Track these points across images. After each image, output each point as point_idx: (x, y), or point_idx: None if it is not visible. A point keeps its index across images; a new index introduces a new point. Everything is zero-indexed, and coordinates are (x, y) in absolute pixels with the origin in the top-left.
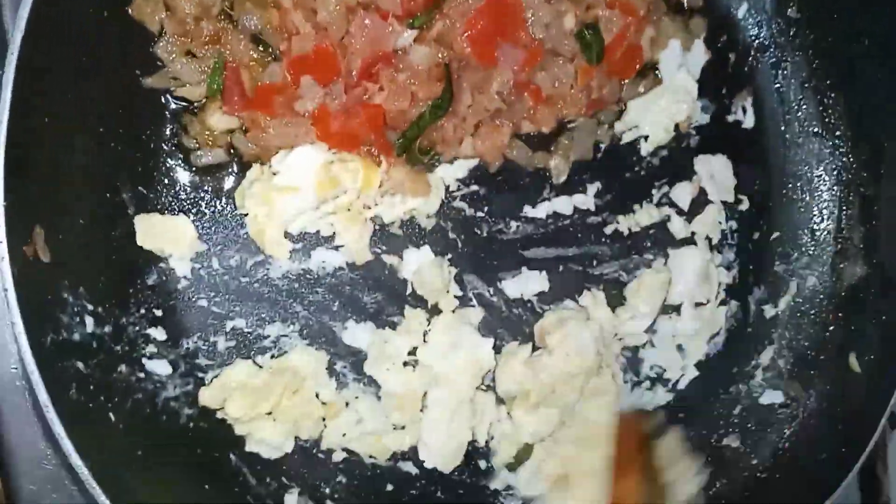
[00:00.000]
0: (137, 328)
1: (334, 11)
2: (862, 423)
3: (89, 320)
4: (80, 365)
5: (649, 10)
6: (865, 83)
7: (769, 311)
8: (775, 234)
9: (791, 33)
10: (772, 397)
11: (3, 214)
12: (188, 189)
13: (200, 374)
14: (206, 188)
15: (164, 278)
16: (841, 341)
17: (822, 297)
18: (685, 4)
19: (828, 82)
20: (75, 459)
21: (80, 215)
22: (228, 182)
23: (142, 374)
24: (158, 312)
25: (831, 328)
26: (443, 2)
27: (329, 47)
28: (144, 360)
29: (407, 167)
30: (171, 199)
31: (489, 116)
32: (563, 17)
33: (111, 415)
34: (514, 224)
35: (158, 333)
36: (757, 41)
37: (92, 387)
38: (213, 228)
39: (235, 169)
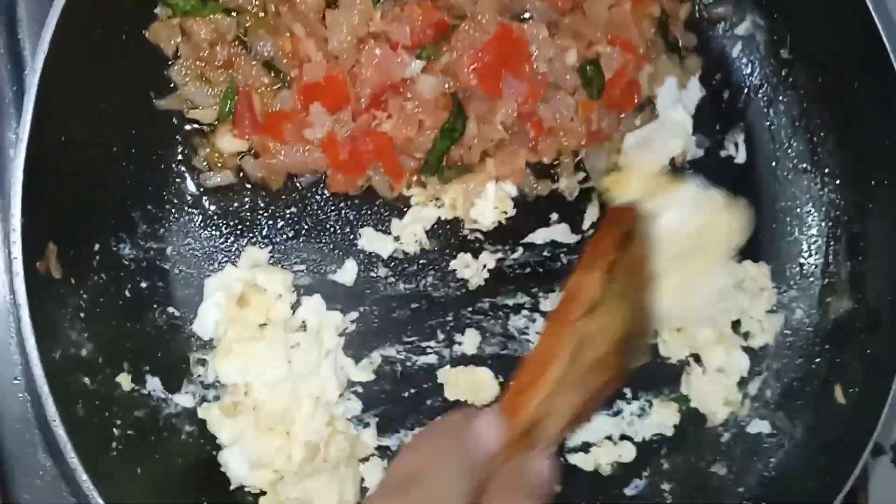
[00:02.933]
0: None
1: (345, 41)
2: (846, 453)
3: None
4: (87, 380)
5: (648, 49)
6: (855, 124)
7: (757, 342)
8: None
9: (783, 74)
10: (759, 427)
11: (20, 233)
12: (196, 209)
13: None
14: (214, 208)
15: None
16: (826, 373)
17: (809, 329)
18: (681, 44)
19: (818, 122)
20: (80, 474)
21: (90, 232)
22: (235, 204)
23: (145, 391)
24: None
25: (817, 360)
26: (451, 34)
27: (339, 76)
28: (148, 377)
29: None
30: (178, 217)
31: (502, 143)
32: (566, 52)
33: (114, 430)
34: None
35: None
36: (750, 80)
37: (97, 402)
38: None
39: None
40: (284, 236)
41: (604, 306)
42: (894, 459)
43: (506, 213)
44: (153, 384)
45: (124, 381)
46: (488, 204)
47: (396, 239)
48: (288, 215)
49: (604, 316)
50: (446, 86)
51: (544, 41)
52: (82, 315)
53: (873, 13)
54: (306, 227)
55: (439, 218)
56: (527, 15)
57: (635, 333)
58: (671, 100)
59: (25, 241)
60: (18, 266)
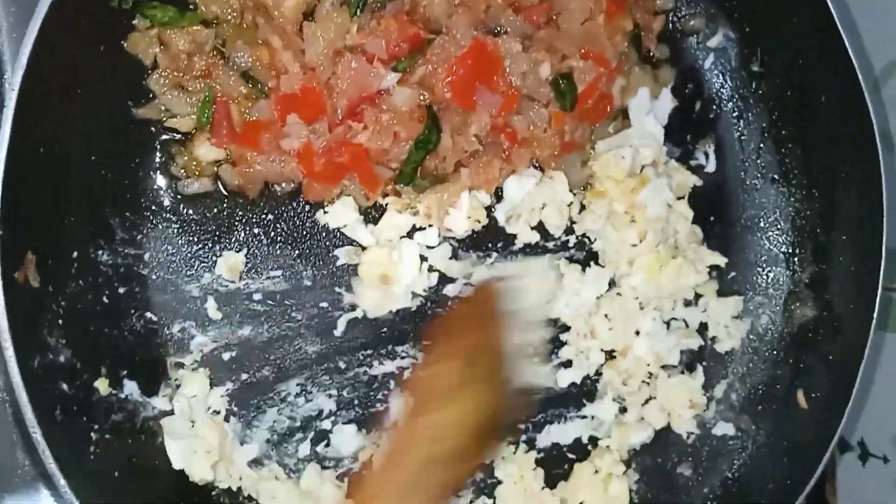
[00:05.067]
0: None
1: (322, 53)
2: (808, 457)
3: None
4: (65, 386)
5: (621, 62)
6: (821, 136)
7: (723, 346)
8: (732, 274)
9: (753, 86)
10: (724, 429)
11: (0, 244)
12: (173, 216)
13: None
14: (192, 214)
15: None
16: (790, 378)
17: (774, 335)
18: (654, 55)
19: (786, 133)
20: (58, 479)
21: (69, 241)
22: (212, 211)
23: (122, 395)
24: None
25: (782, 365)
26: (426, 48)
27: (316, 87)
28: (125, 381)
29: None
30: (156, 224)
31: (476, 154)
32: (540, 66)
33: (92, 434)
34: None
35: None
36: (721, 91)
37: (75, 407)
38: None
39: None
40: (260, 242)
41: (461, 394)
42: (861, 455)
43: (479, 221)
44: (130, 388)
45: (102, 385)
46: (462, 213)
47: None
48: (264, 222)
49: (461, 405)
50: (421, 98)
51: (518, 55)
52: (60, 322)
53: (841, 30)
54: (283, 233)
55: (414, 226)
56: (502, 29)
57: (495, 416)
58: (643, 110)
59: (4, 252)
60: None
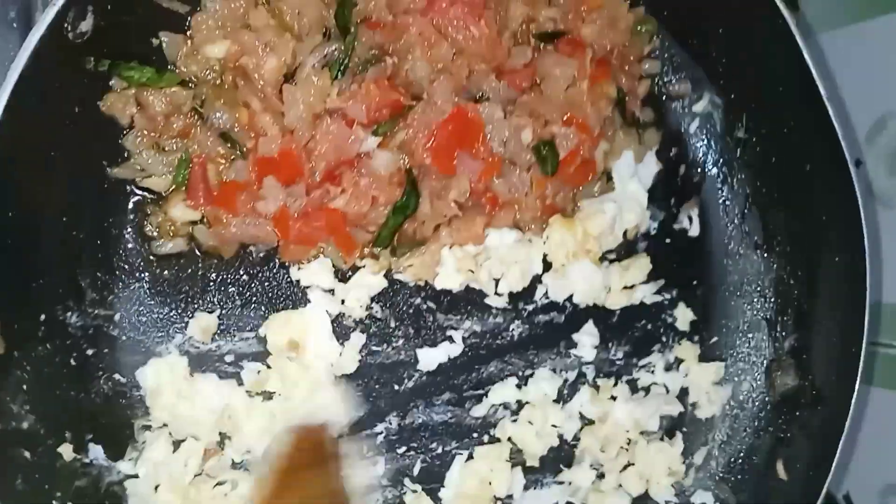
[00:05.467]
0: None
1: (301, 116)
2: None
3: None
4: (27, 454)
5: (605, 127)
6: (805, 203)
7: (704, 413)
8: (714, 339)
9: (738, 152)
10: (703, 497)
11: None
12: (146, 275)
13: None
14: (165, 275)
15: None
16: (770, 447)
17: (755, 403)
18: (639, 118)
19: (769, 199)
20: None
21: (37, 303)
22: (186, 271)
23: (87, 460)
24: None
25: (762, 434)
26: (406, 113)
27: (294, 150)
28: (90, 446)
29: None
30: (128, 284)
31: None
32: (522, 131)
33: (54, 502)
34: None
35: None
36: (706, 156)
37: (37, 475)
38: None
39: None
40: (234, 303)
41: None
42: None
43: (472, 271)
44: (95, 452)
45: (66, 451)
46: (449, 269)
47: (342, 302)
48: (239, 283)
49: None
50: (401, 162)
51: (499, 122)
52: (25, 387)
53: (825, 100)
54: (258, 294)
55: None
56: (483, 95)
57: None
58: (627, 173)
59: None
60: None
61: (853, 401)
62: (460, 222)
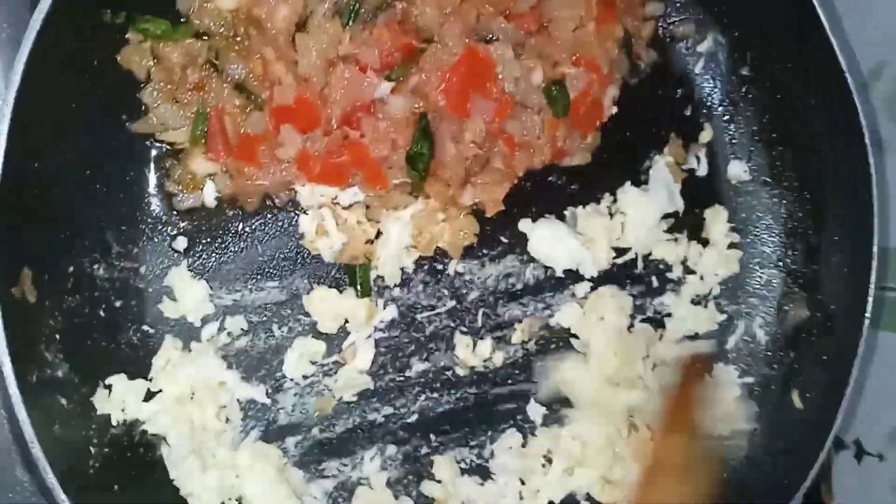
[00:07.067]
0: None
1: (315, 64)
2: (804, 456)
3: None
4: (63, 401)
5: (612, 69)
6: (811, 139)
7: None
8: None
9: (743, 90)
10: (720, 429)
11: None
12: (169, 228)
13: None
14: (187, 227)
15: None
16: (784, 378)
17: (768, 336)
18: (643, 63)
19: (776, 136)
20: (58, 493)
21: (65, 256)
22: (209, 223)
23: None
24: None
25: (776, 366)
26: (419, 57)
27: (309, 97)
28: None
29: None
30: (152, 237)
31: (484, 169)
32: (532, 73)
33: (91, 448)
34: None
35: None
36: (711, 95)
37: (73, 421)
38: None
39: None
40: (256, 252)
41: (687, 477)
42: (856, 454)
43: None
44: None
45: (100, 397)
46: None
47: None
48: (261, 233)
49: (687, 488)
50: (416, 106)
51: (510, 61)
52: (57, 337)
53: (829, 33)
54: (279, 244)
55: None
56: (493, 36)
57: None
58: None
59: (1, 268)
60: None
61: (865, 328)
62: (485, 180)
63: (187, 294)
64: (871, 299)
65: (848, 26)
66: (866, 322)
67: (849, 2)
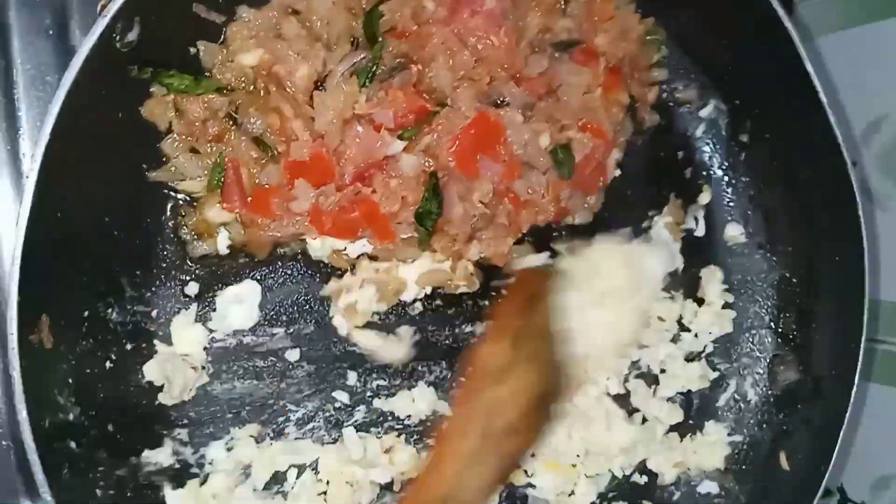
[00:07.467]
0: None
1: (331, 122)
2: None
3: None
4: (73, 445)
5: (616, 134)
6: (806, 206)
7: (709, 406)
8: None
9: (742, 156)
10: (708, 487)
11: (17, 309)
12: (182, 274)
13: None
14: (200, 273)
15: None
16: (773, 439)
17: (758, 396)
18: (646, 125)
19: (773, 202)
20: None
21: (81, 300)
22: (221, 270)
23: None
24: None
25: (765, 426)
26: (431, 118)
27: (324, 153)
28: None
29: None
30: (165, 282)
31: (490, 225)
32: (540, 136)
33: (97, 490)
34: None
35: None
36: (711, 159)
37: (82, 465)
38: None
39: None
40: (265, 300)
41: (513, 373)
42: (840, 501)
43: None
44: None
45: (109, 442)
46: None
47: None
48: (270, 281)
49: (513, 382)
50: (426, 165)
51: (519, 126)
52: (70, 381)
53: (826, 107)
54: (288, 291)
55: None
56: (504, 100)
57: (547, 394)
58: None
59: (21, 316)
60: (13, 341)
61: (853, 394)
62: (490, 235)
63: (184, 338)
64: (861, 353)
65: (845, 81)
66: (854, 389)
67: (847, 57)
